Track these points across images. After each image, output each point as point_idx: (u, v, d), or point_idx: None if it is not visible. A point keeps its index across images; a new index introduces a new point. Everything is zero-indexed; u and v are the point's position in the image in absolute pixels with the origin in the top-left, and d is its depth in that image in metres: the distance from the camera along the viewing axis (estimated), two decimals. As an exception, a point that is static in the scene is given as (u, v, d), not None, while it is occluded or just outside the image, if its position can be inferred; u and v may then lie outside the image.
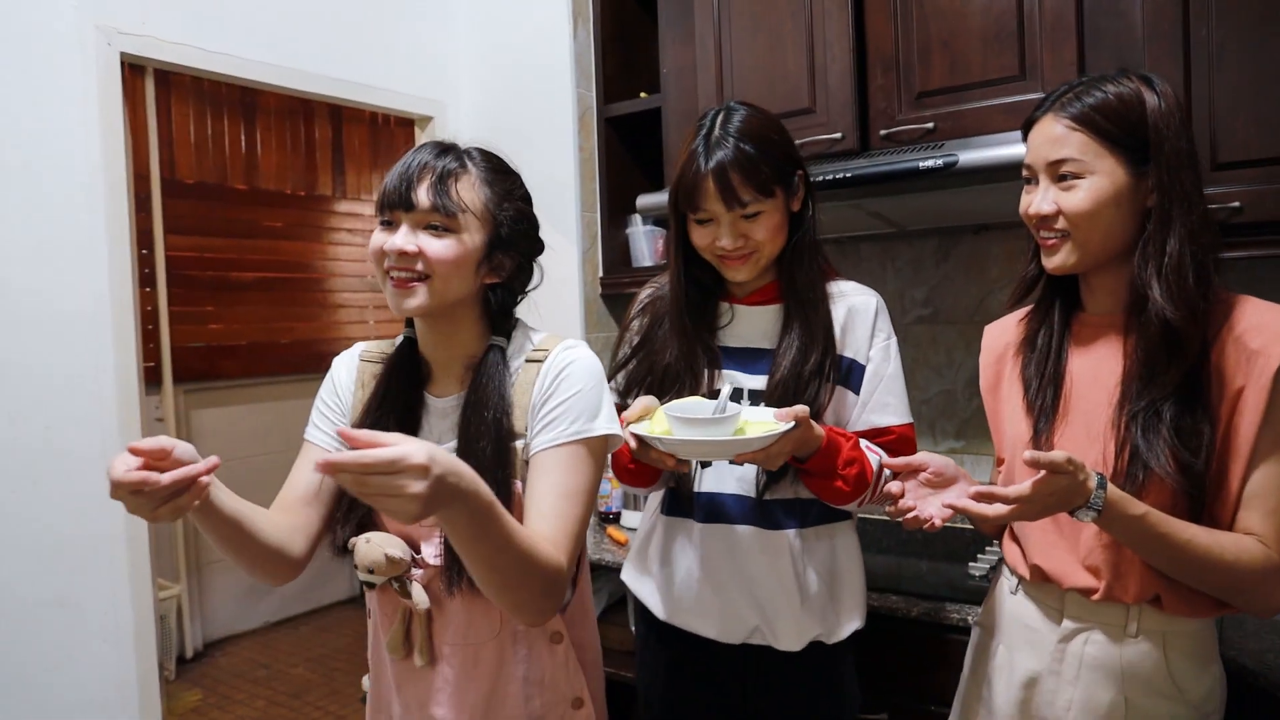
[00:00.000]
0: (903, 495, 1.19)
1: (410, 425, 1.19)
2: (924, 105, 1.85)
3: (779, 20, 1.99)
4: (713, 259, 1.36)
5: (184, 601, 4.06)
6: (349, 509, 1.18)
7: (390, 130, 5.04)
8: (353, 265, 4.96)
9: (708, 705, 1.46)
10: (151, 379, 3.87)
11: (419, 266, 1.11)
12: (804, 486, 1.36)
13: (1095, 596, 1.14)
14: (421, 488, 0.82)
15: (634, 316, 1.50)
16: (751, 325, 1.41)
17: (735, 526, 1.39)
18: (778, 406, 1.25)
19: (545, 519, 1.08)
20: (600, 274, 2.48)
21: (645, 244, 2.43)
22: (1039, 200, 1.14)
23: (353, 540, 1.15)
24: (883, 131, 1.88)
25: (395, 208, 1.12)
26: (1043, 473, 0.99)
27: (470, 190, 1.14)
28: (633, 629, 2.03)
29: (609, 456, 1.23)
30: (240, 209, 4.40)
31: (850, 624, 1.41)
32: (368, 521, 1.18)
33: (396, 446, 0.82)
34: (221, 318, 4.35)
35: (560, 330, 2.35)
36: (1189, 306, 1.07)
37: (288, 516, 1.18)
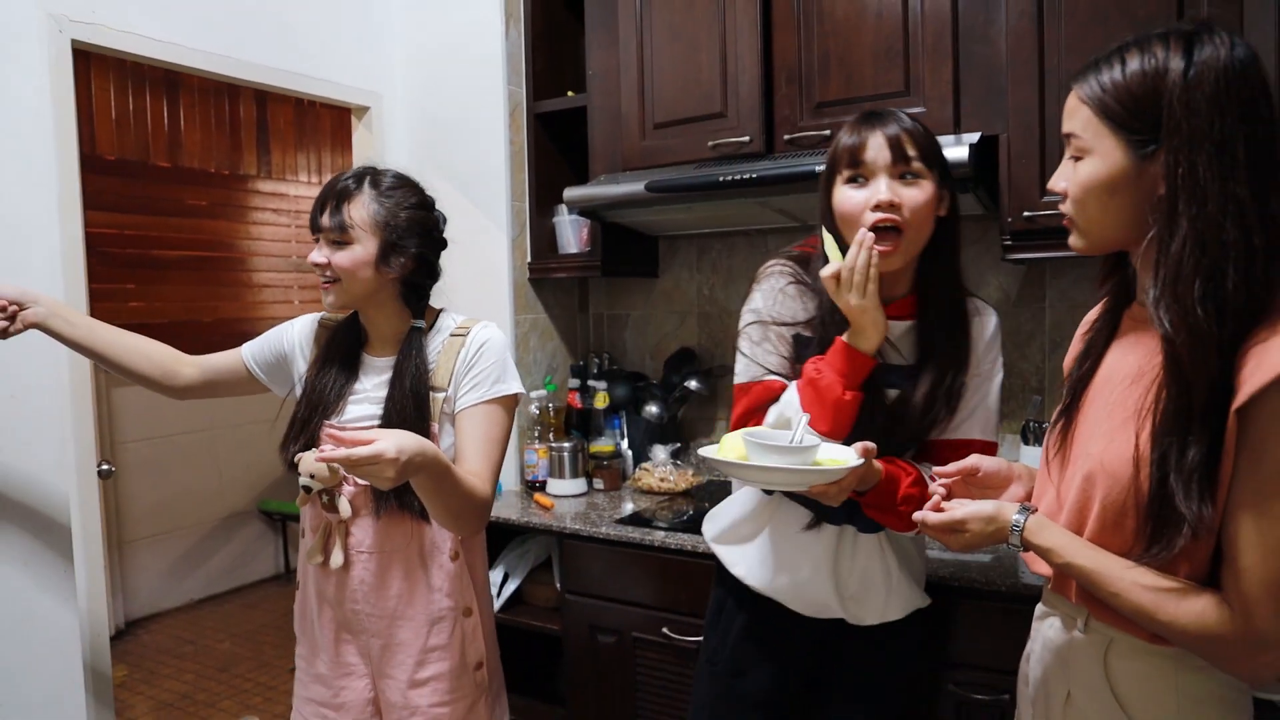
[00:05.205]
0: (946, 498, 1.12)
1: (351, 376, 1.54)
2: (823, 114, 2.06)
3: (696, 31, 2.18)
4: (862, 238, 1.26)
5: (104, 580, 4.05)
6: (299, 430, 1.50)
7: (316, 111, 5.03)
8: (277, 245, 4.96)
9: (774, 669, 1.51)
10: (73, 357, 3.85)
11: (329, 273, 1.45)
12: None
13: (1050, 585, 1.14)
14: (392, 472, 1.17)
15: (796, 280, 1.42)
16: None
17: (836, 526, 1.43)
18: (899, 424, 1.32)
19: (474, 460, 1.44)
20: (529, 259, 2.63)
21: (571, 232, 2.59)
22: (1055, 175, 1.07)
23: (299, 455, 1.44)
24: (786, 136, 2.09)
25: (313, 230, 1.47)
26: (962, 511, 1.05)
27: (360, 208, 1.44)
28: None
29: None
30: (163, 187, 4.37)
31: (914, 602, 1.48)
32: (314, 440, 1.47)
33: (374, 445, 1.15)
34: (143, 296, 4.33)
35: (490, 310, 2.53)
36: (1184, 321, 0.91)
37: (186, 366, 1.62)
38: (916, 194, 1.28)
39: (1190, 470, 0.92)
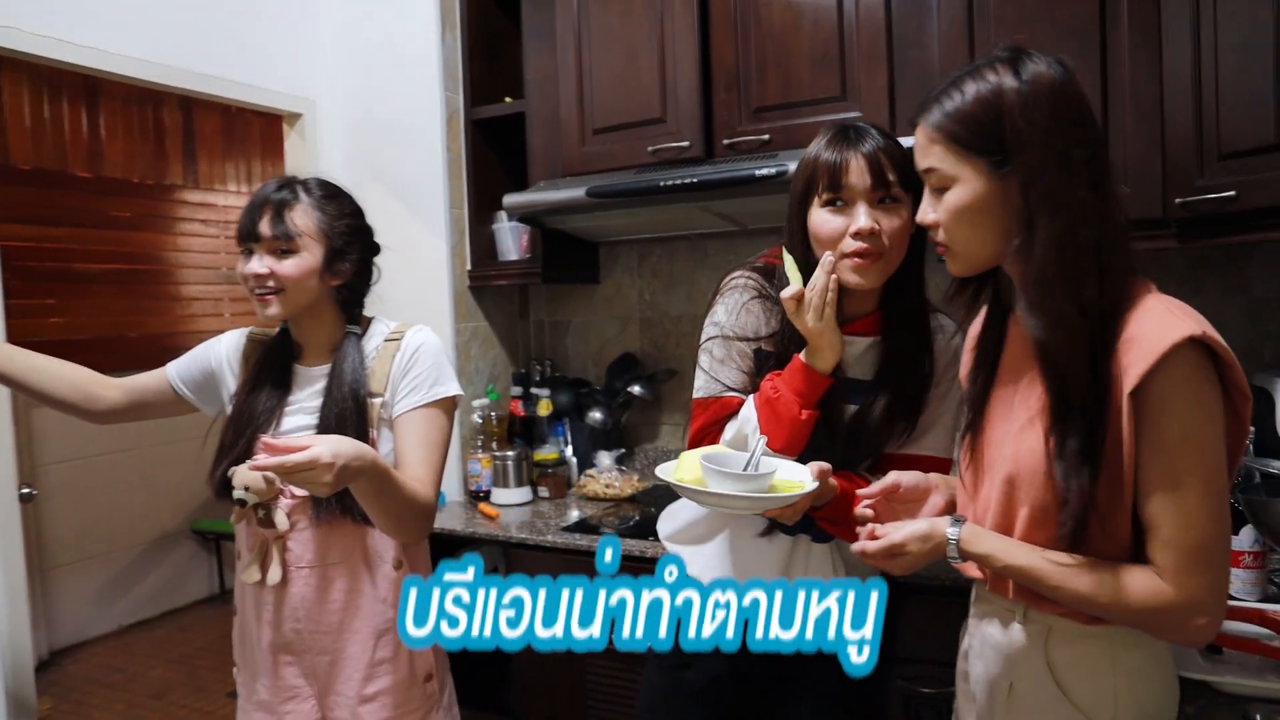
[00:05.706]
0: (873, 520, 1.14)
1: (283, 388, 1.50)
2: (761, 119, 2.08)
3: (634, 37, 2.18)
4: (836, 259, 1.28)
5: (27, 608, 3.88)
6: (226, 454, 1.45)
7: (245, 118, 4.92)
8: (205, 257, 4.83)
9: (719, 663, 1.46)
10: (-11, 376, 3.68)
11: (271, 283, 1.40)
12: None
13: (987, 586, 1.17)
14: (330, 477, 1.16)
15: (759, 295, 1.41)
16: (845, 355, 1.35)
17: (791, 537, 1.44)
18: (859, 438, 1.33)
19: (415, 465, 1.43)
20: (468, 267, 2.60)
21: (510, 239, 2.57)
22: (920, 210, 1.12)
23: (233, 469, 1.39)
24: (725, 141, 2.10)
25: (247, 240, 1.42)
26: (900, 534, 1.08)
27: (304, 216, 1.42)
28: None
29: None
30: (84, 197, 4.23)
31: None
32: (247, 455, 1.42)
33: (310, 450, 1.14)
34: (65, 311, 4.17)
35: (431, 319, 2.49)
36: (1055, 321, 0.98)
37: (108, 389, 1.54)
38: (895, 221, 1.28)
39: (1071, 458, 0.99)
